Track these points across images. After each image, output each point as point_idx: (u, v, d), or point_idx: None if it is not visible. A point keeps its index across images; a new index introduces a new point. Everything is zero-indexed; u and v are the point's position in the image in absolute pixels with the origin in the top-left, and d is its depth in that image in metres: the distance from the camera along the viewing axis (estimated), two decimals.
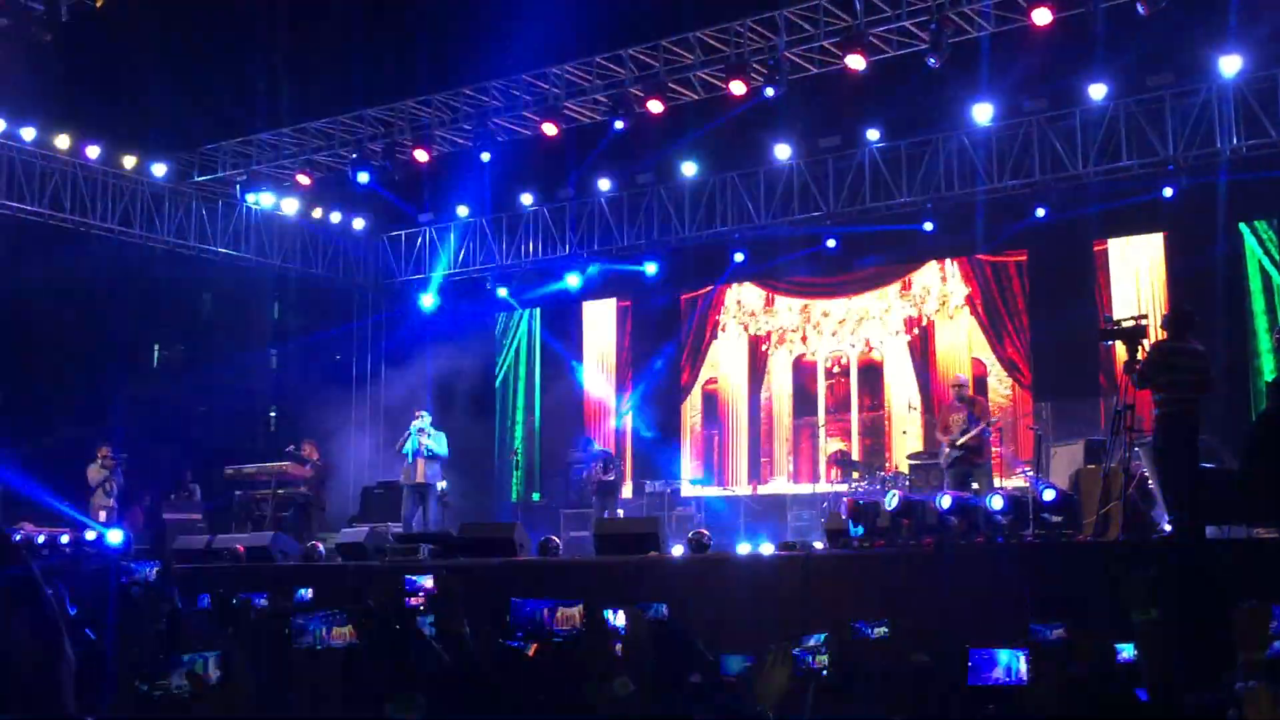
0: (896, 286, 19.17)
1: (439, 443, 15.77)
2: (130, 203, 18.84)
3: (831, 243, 18.54)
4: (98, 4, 13.16)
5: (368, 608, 6.47)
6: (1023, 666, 5.61)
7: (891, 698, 5.97)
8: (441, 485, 15.85)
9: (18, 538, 13.27)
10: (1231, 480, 9.09)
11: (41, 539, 14.23)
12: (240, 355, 21.15)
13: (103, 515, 16.11)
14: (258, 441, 20.66)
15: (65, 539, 14.31)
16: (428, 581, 8.46)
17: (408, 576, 8.57)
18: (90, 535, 14.39)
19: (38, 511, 14.91)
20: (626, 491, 20.39)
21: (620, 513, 18.24)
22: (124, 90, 18.74)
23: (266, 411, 23.02)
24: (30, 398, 18.62)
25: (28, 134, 17.49)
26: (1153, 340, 10.25)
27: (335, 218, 21.26)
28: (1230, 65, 14.76)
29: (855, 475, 17.10)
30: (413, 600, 8.06)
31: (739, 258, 19.39)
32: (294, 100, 19.08)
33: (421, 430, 15.65)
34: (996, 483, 14.71)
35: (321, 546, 13.99)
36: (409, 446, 15.64)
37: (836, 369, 19.72)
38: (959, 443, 13.27)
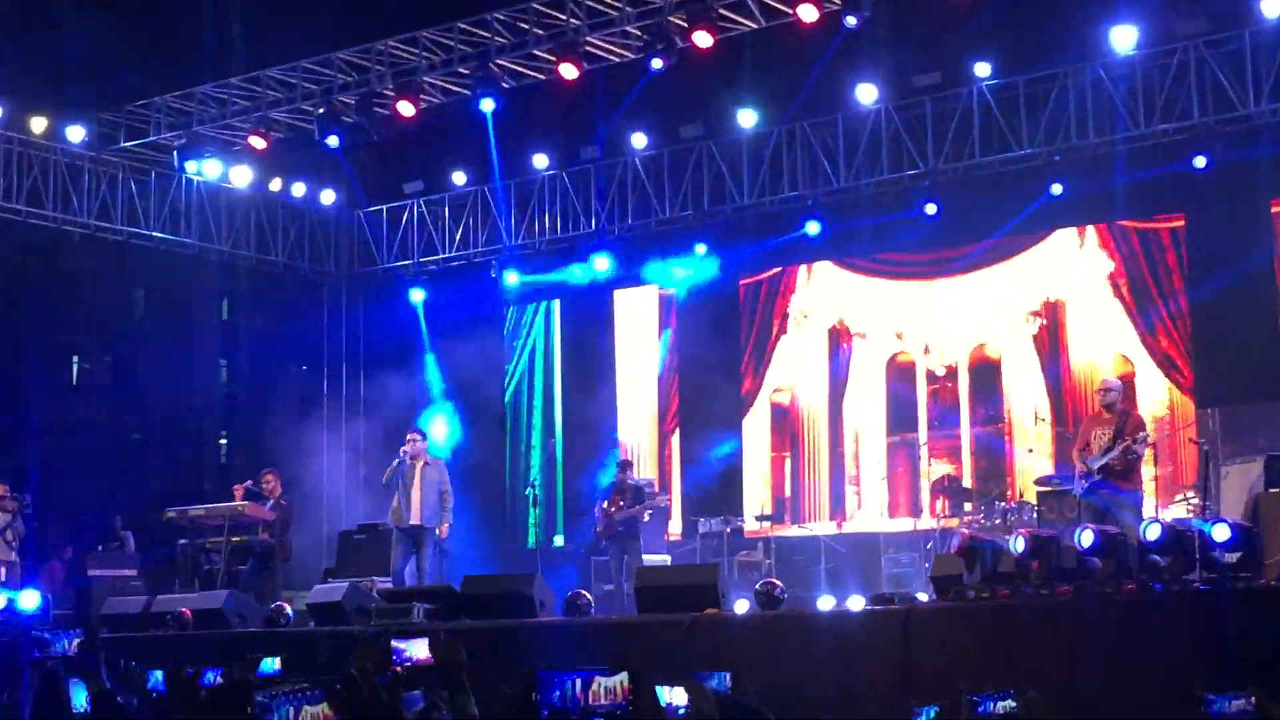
0: (1017, 263, 19.05)
1: (438, 473, 15.77)
2: (41, 176, 18.98)
3: (932, 208, 18.43)
4: None
5: (348, 681, 6.47)
6: None
7: None
8: (443, 530, 15.84)
9: None
10: None
11: None
12: (182, 366, 21.31)
13: (2, 572, 16.19)
14: (206, 476, 20.82)
15: None
16: (422, 649, 8.45)
17: (396, 644, 8.56)
18: None
19: None
20: (675, 531, 20.34)
21: (667, 559, 18.18)
22: (31, 35, 18.90)
23: (216, 437, 23.20)
24: None
25: None
26: None
27: (298, 190, 21.35)
28: None
29: (968, 507, 16.98)
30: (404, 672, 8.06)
31: (813, 230, 19.32)
32: (245, 44, 19.20)
33: (414, 457, 15.66)
34: (1151, 513, 14.57)
35: (289, 608, 14.01)
36: (397, 479, 15.65)
37: (942, 370, 19.63)
38: (1098, 465, 13.09)
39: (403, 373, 21.41)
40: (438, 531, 15.69)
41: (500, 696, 7.18)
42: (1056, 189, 17.60)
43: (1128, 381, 18.07)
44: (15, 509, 16.70)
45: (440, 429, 20.54)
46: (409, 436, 15.90)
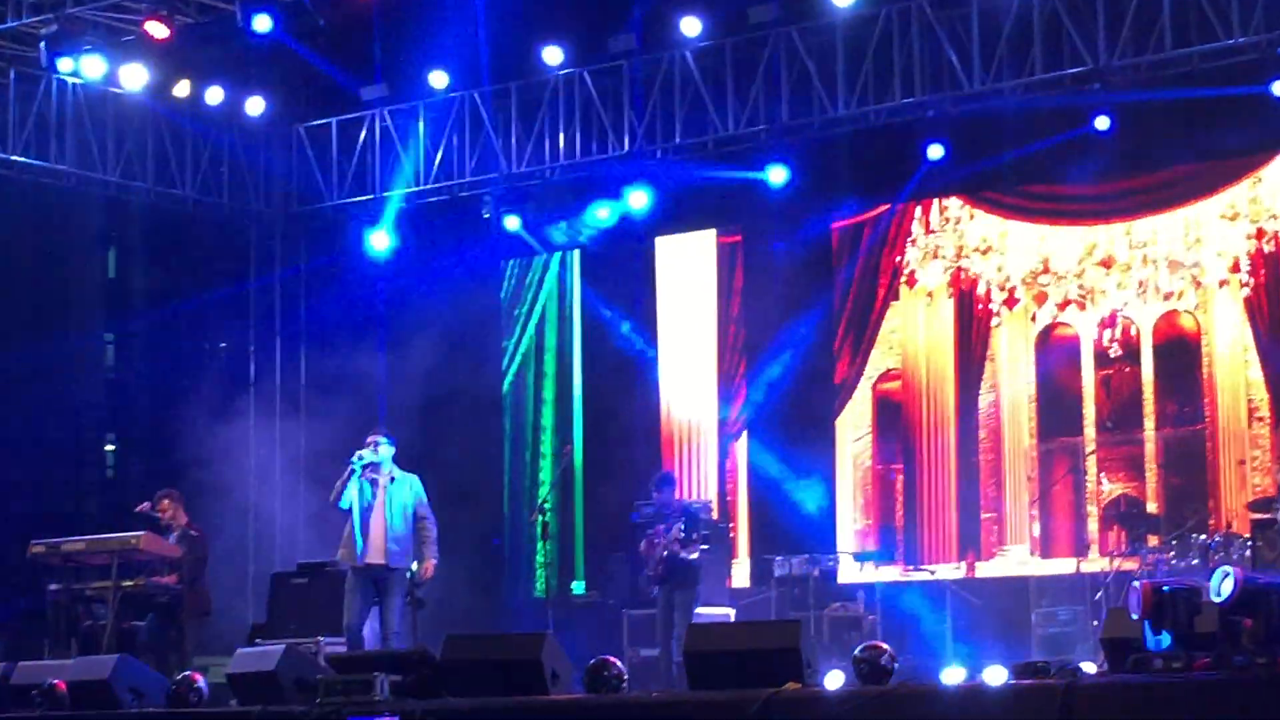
0: (1222, 199, 19.03)
1: (410, 492, 15.84)
2: None
3: (1104, 123, 18.41)
4: None
5: None
6: None
7: None
8: (414, 569, 15.93)
9: None
10: None
11: None
12: (51, 344, 21.42)
13: None
14: (86, 496, 20.94)
15: None
16: None
17: None
18: None
19: None
20: (742, 575, 20.40)
21: (729, 613, 18.26)
22: None
23: (99, 442, 23.34)
24: None
25: None
26: None
27: (214, 97, 21.41)
28: None
29: (1154, 541, 16.98)
30: None
31: (936, 154, 19.36)
32: None
33: (374, 467, 15.74)
34: None
35: (203, 679, 14.12)
36: (353, 498, 15.72)
37: (1116, 348, 19.64)
38: None
39: (360, 351, 21.52)
40: (414, 574, 15.77)
41: None
42: (1278, 90, 17.54)
43: None
44: None
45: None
46: (369, 440, 15.96)
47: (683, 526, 16.99)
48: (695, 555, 17.08)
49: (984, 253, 20.34)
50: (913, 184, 20.13)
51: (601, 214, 21.34)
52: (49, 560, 17.28)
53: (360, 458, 15.67)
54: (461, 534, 19.84)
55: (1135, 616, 11.36)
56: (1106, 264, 19.66)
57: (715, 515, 19.70)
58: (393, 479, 15.77)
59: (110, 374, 23.22)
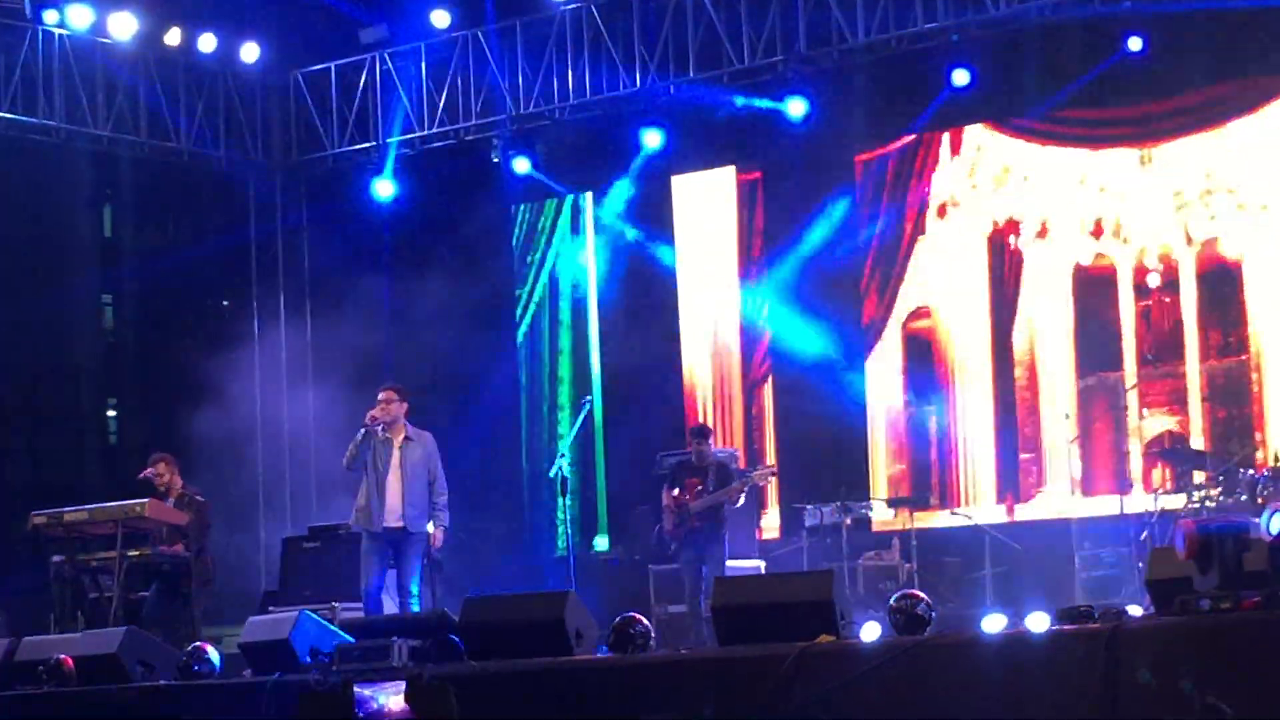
0: (1263, 119, 18.96)
1: (424, 452, 15.86)
2: None
3: (1136, 43, 18.37)
4: None
5: None
6: None
7: None
8: (432, 528, 15.97)
9: None
10: None
11: None
12: (49, 306, 21.44)
13: None
14: (87, 464, 20.99)
15: None
16: (396, 699, 8.62)
17: (360, 692, 8.73)
18: None
19: None
20: (771, 526, 20.42)
21: (759, 565, 18.29)
22: None
23: (100, 407, 23.39)
24: None
25: None
26: None
27: (207, 45, 21.40)
28: None
29: (1200, 478, 16.96)
30: None
31: (962, 80, 19.31)
32: None
33: (389, 428, 15.74)
34: None
35: (215, 650, 14.18)
36: (367, 461, 15.74)
37: (1155, 278, 19.61)
38: None
39: (367, 304, 21.53)
40: (434, 539, 15.82)
41: None
42: None
43: None
44: None
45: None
46: (380, 397, 15.94)
47: (717, 480, 17.09)
48: (740, 501, 17.18)
49: (1014, 183, 20.29)
50: (937, 112, 20.09)
51: (616, 151, 21.30)
52: (51, 531, 17.32)
53: (373, 419, 15.69)
54: (478, 492, 19.90)
55: (1182, 556, 11.37)
56: (1142, 191, 19.61)
57: (744, 464, 19.68)
58: (407, 439, 15.79)
59: (109, 336, 23.27)
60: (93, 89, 20.92)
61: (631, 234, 22.21)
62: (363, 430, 15.74)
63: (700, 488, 16.85)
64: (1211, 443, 18.65)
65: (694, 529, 16.80)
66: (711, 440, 18.15)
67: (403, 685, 8.97)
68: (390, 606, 15.45)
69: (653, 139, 20.94)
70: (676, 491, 17.00)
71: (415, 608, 15.15)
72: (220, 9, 20.82)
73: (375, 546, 15.76)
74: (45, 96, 20.51)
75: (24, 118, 20.39)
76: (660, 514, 17.34)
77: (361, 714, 8.66)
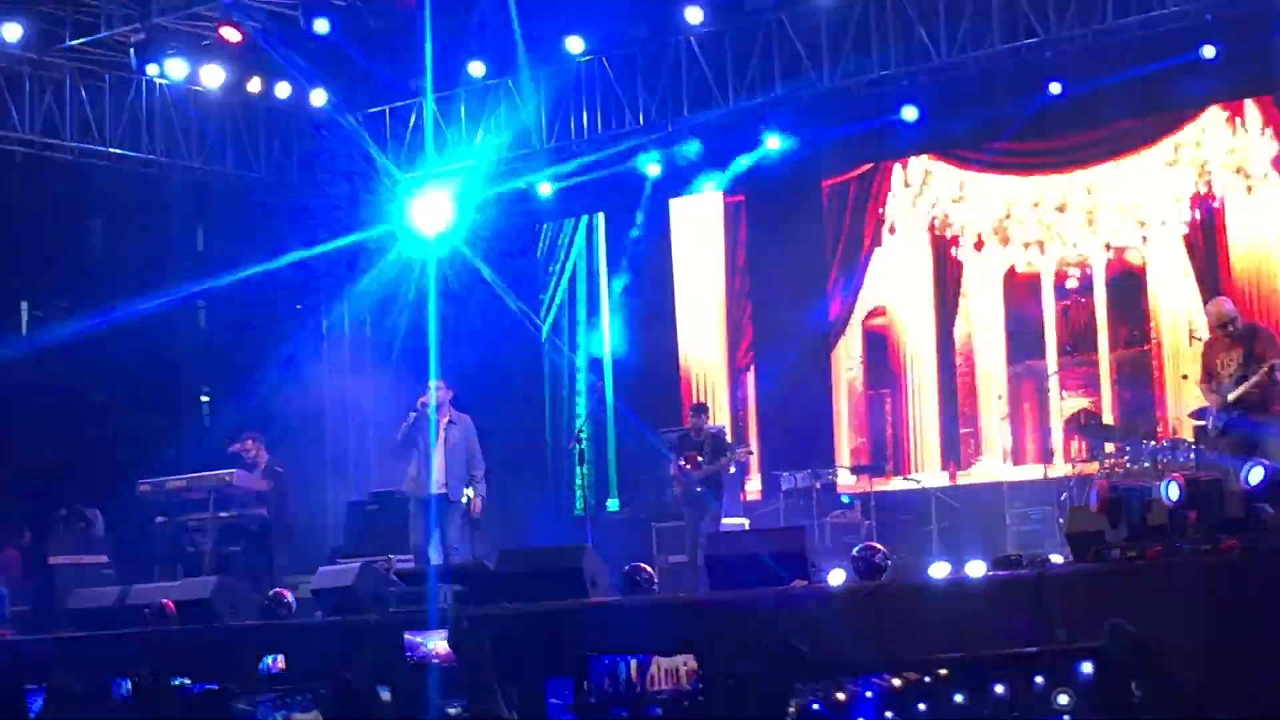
0: (1162, 149, 18.90)
1: (464, 432, 15.86)
2: None
3: (1056, 87, 18.34)
4: None
5: (346, 685, 6.57)
6: None
7: None
8: (468, 494, 15.96)
9: None
10: None
11: None
12: (150, 309, 21.38)
13: None
14: (185, 441, 20.91)
15: None
16: (440, 643, 8.58)
17: (409, 638, 8.70)
18: None
19: None
20: (754, 490, 20.41)
21: (744, 523, 18.26)
22: None
23: (196, 394, 23.31)
24: None
25: None
26: None
27: (282, 91, 21.37)
28: None
29: (1110, 449, 16.93)
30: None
31: (911, 116, 19.24)
32: None
33: (437, 410, 15.74)
34: None
35: (291, 595, 14.19)
36: (417, 438, 15.73)
37: (1073, 283, 19.56)
38: (1232, 397, 12.97)
39: (416, 307, 21.47)
40: (464, 497, 15.82)
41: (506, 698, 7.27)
42: (1208, 52, 17.41)
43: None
44: None
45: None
46: (430, 385, 15.95)
47: (710, 447, 17.08)
48: (732, 470, 17.22)
49: (955, 203, 20.24)
50: (891, 144, 20.02)
51: (622, 179, 21.21)
52: (155, 496, 17.36)
53: (423, 404, 15.72)
54: (509, 462, 19.88)
55: (1096, 512, 11.34)
56: (1062, 209, 19.58)
57: (731, 438, 19.66)
58: (450, 421, 15.80)
59: (203, 335, 23.13)
60: (187, 128, 20.89)
61: (636, 248, 22.13)
62: (414, 413, 15.76)
63: (700, 458, 16.93)
64: (1119, 419, 18.62)
65: (696, 493, 16.86)
66: (708, 415, 18.18)
67: (445, 632, 8.93)
68: (436, 559, 15.45)
69: (653, 168, 20.91)
70: (682, 462, 17.05)
71: (457, 560, 15.15)
72: (293, 62, 20.74)
73: (423, 509, 15.80)
74: (148, 135, 20.50)
75: (131, 153, 20.38)
76: (668, 482, 17.38)
77: (411, 656, 8.62)
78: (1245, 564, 9.66)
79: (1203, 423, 15.43)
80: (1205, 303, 18.06)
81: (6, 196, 19.95)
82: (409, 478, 16.02)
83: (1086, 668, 6.53)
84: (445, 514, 15.70)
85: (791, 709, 6.00)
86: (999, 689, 6.63)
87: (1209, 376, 13.27)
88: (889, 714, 6.45)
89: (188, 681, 9.35)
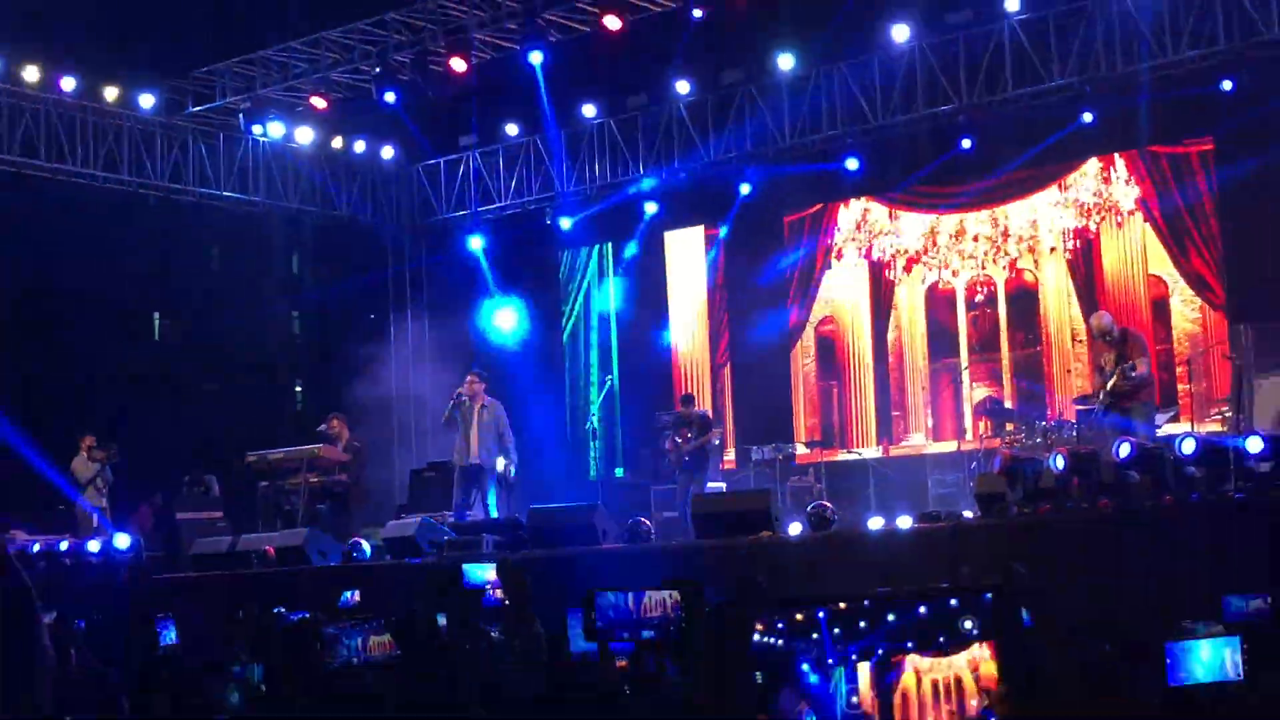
0: (1050, 192, 18.89)
1: (494, 415, 15.86)
2: (115, 143, 19.15)
3: (967, 143, 18.30)
4: None
5: (410, 614, 6.58)
6: (1232, 660, 5.40)
7: (1072, 698, 5.92)
8: (502, 464, 15.96)
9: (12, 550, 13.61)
10: None
11: (37, 547, 14.58)
12: (255, 322, 21.43)
13: (95, 518, 16.43)
14: (282, 422, 20.98)
15: (64, 546, 14.66)
16: (490, 572, 8.59)
17: (466, 568, 8.70)
18: (93, 545, 14.69)
19: (37, 515, 15.29)
20: (730, 460, 20.41)
21: (722, 486, 18.26)
22: (101, 9, 18.96)
23: (291, 385, 23.30)
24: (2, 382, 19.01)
25: None
26: None
27: (359, 147, 21.43)
28: None
29: (1010, 427, 16.93)
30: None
31: (852, 166, 19.22)
32: (302, 8, 19.19)
33: (472, 399, 15.73)
34: (1186, 428, 14.44)
35: (366, 543, 14.20)
36: (457, 419, 15.75)
37: (980, 297, 19.54)
38: (1108, 388, 13.00)
39: (463, 317, 21.50)
40: (507, 471, 15.84)
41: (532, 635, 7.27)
42: (1087, 118, 17.41)
43: (1161, 301, 17.99)
44: (103, 458, 16.95)
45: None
46: (468, 378, 15.98)
47: (699, 430, 17.06)
48: (717, 441, 17.23)
49: (886, 235, 20.21)
50: (837, 189, 20.00)
51: (627, 217, 21.21)
52: (259, 466, 17.31)
53: (460, 394, 15.75)
54: (537, 439, 19.87)
55: (999, 477, 11.35)
56: (975, 239, 19.56)
57: (711, 420, 19.63)
58: (483, 406, 15.81)
59: (296, 339, 23.19)
60: (284, 176, 20.89)
61: (638, 269, 22.12)
62: (453, 401, 15.79)
63: (689, 435, 16.90)
64: (1017, 404, 18.58)
65: (686, 462, 16.85)
66: (694, 403, 18.18)
67: (493, 566, 8.92)
68: (476, 515, 15.45)
69: (651, 207, 20.93)
70: (675, 439, 17.05)
71: (495, 515, 15.16)
72: (368, 124, 20.78)
73: (464, 475, 15.81)
74: (253, 182, 20.49)
75: (239, 195, 20.40)
76: (663, 454, 17.38)
77: (466, 585, 8.62)
78: (1116, 519, 9.69)
79: (1083, 408, 15.47)
80: (1085, 314, 18.20)
81: (142, 231, 19.99)
82: (455, 450, 16.05)
83: (988, 599, 6.54)
84: (481, 479, 15.74)
85: (758, 628, 6.01)
86: (921, 610, 6.63)
87: (1097, 370, 13.33)
88: (836, 630, 6.47)
89: (284, 611, 9.37)
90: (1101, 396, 13.06)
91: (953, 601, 6.48)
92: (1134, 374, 12.82)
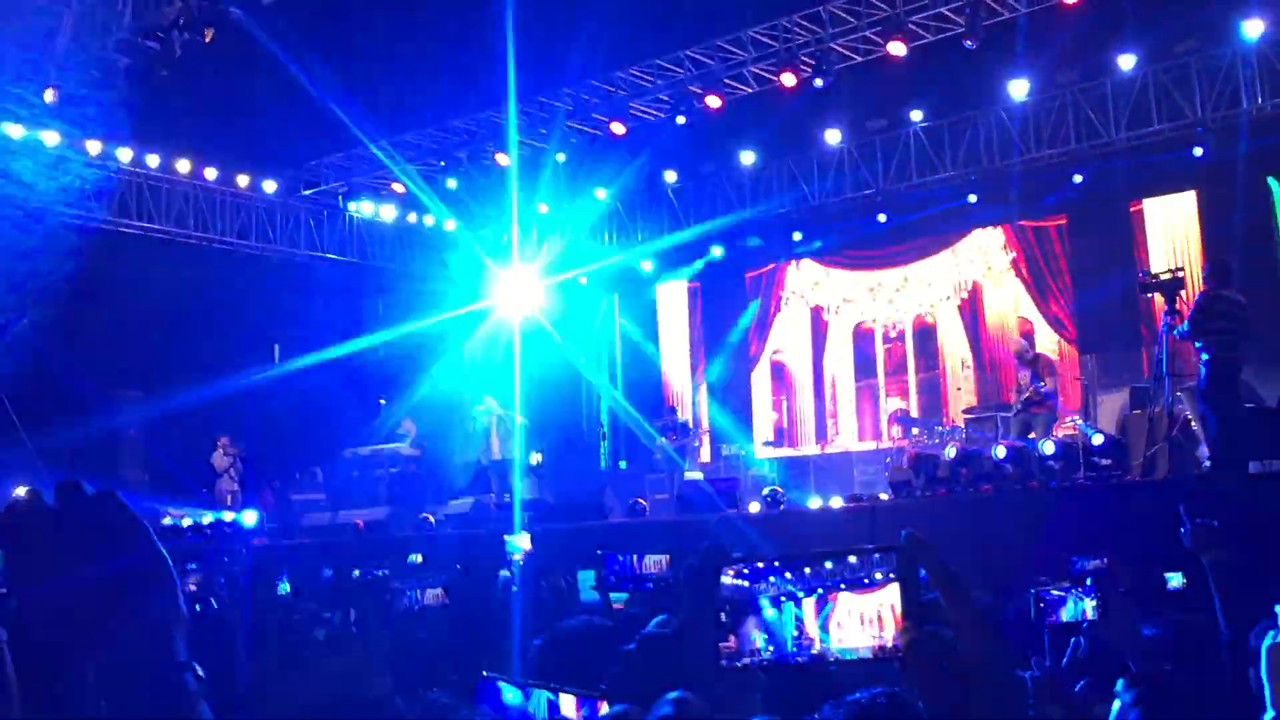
0: (945, 254, 18.94)
1: (508, 421, 15.95)
2: (246, 217, 19.22)
3: (883, 217, 18.38)
4: (207, 38, 13.39)
5: (462, 570, 6.59)
6: (1088, 607, 5.36)
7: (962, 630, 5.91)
8: (537, 458, 15.99)
9: (165, 521, 13.66)
10: (1270, 416, 8.91)
11: (186, 522, 14.61)
12: (349, 351, 21.39)
13: (229, 498, 16.49)
14: (370, 426, 20.91)
15: (207, 520, 14.68)
16: (526, 542, 8.58)
17: (506, 538, 8.70)
18: (227, 516, 14.73)
19: (183, 496, 15.30)
20: (706, 455, 20.43)
21: (700, 475, 18.28)
22: (235, 116, 19.02)
23: (377, 398, 23.26)
24: (164, 396, 18.99)
25: (152, 160, 17.87)
26: (1190, 291, 10.07)
27: (428, 220, 21.44)
28: (1253, 29, 14.36)
29: (915, 431, 16.97)
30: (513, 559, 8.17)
31: (797, 236, 19.31)
32: (386, 115, 19.22)
33: (489, 413, 15.88)
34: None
35: (432, 518, 14.21)
36: (479, 427, 15.88)
37: (893, 334, 19.57)
38: (1024, 397, 13.18)
39: (499, 350, 21.43)
40: (531, 460, 15.91)
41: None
42: (972, 199, 17.51)
43: (1029, 336, 18.05)
44: (236, 453, 16.99)
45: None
46: (486, 399, 16.14)
47: (683, 434, 17.07)
48: (697, 444, 17.26)
49: (823, 287, 20.26)
50: (786, 252, 20.06)
51: (628, 274, 21.17)
52: (353, 460, 17.47)
53: (481, 410, 15.87)
54: (563, 439, 19.90)
55: (906, 469, 11.36)
56: (890, 290, 19.60)
57: (691, 426, 19.66)
58: (500, 417, 15.90)
59: (381, 364, 23.07)
60: (373, 242, 20.97)
61: (637, 315, 22.14)
62: (474, 415, 15.94)
63: (676, 437, 16.95)
64: (921, 413, 18.60)
65: (671, 458, 16.88)
66: (679, 414, 18.22)
67: (528, 536, 8.90)
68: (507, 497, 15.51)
69: (647, 265, 20.97)
70: (664, 439, 17.10)
71: (525, 497, 15.22)
72: (435, 202, 20.74)
73: (493, 469, 15.88)
74: (352, 246, 20.58)
75: (340, 257, 20.46)
76: (655, 451, 17.39)
77: (508, 549, 8.59)
78: (994, 500, 9.70)
79: (970, 416, 15.51)
80: (972, 349, 18.28)
81: (270, 287, 20.00)
82: (482, 451, 16.16)
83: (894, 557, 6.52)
84: (504, 473, 15.77)
85: (729, 574, 5.97)
86: (850, 559, 6.59)
87: (1016, 385, 13.66)
88: (788, 574, 6.43)
89: (364, 570, 9.38)
90: (1016, 403, 13.31)
91: (876, 556, 6.44)
92: (1042, 388, 13.06)
